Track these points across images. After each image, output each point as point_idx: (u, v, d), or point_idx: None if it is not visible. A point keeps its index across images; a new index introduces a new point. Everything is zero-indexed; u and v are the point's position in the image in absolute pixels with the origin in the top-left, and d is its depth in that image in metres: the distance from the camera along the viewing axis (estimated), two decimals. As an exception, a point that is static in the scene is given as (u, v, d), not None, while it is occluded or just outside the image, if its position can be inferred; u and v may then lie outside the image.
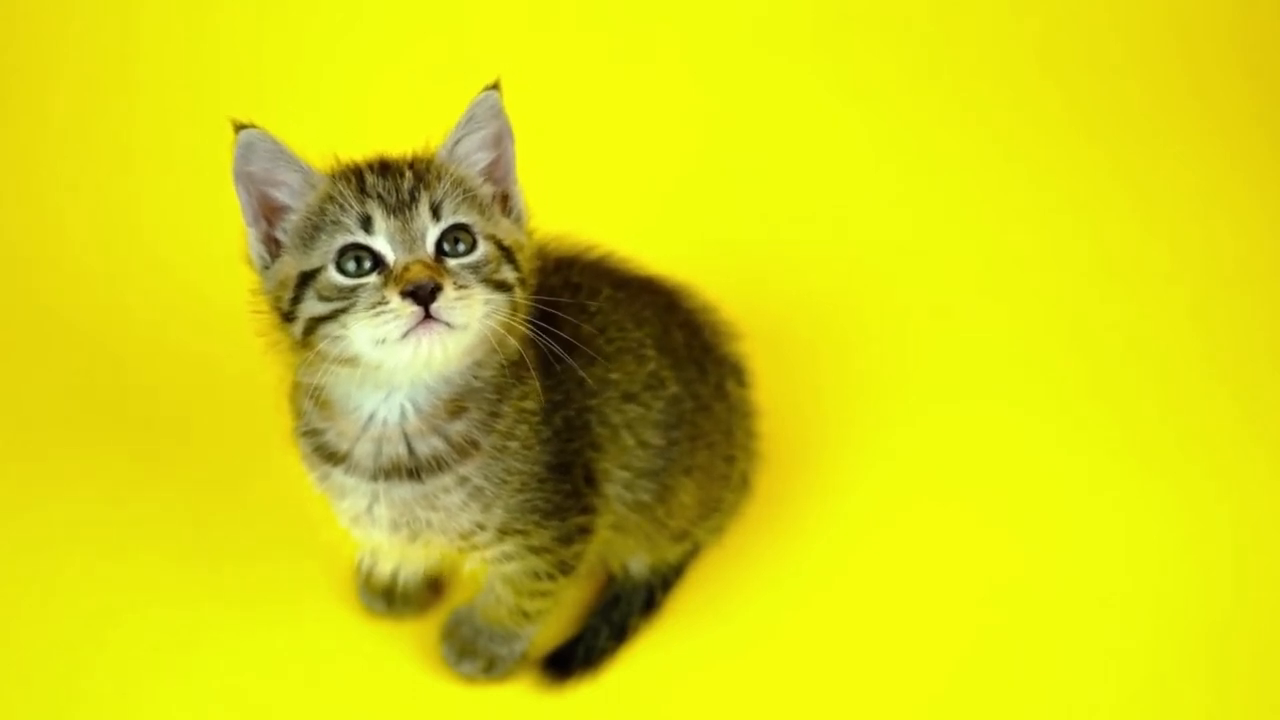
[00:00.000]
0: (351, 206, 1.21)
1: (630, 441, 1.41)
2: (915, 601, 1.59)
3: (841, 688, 1.51)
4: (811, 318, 1.91)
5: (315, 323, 1.20)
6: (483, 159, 1.28)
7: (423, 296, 1.16)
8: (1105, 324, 1.92)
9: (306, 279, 1.21)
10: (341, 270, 1.20)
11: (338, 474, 1.31)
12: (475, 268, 1.21)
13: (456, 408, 1.28)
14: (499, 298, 1.22)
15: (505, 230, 1.26)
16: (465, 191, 1.24)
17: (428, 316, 1.17)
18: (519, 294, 1.25)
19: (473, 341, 1.22)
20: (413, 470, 1.29)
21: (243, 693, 1.48)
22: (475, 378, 1.28)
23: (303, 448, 1.34)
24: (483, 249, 1.23)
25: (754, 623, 1.57)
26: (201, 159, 1.99)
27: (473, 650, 1.48)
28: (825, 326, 1.90)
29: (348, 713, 1.47)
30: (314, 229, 1.22)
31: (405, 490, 1.30)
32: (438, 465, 1.29)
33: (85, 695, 1.47)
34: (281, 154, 1.23)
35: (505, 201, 1.29)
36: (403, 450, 1.29)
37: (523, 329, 1.27)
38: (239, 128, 1.21)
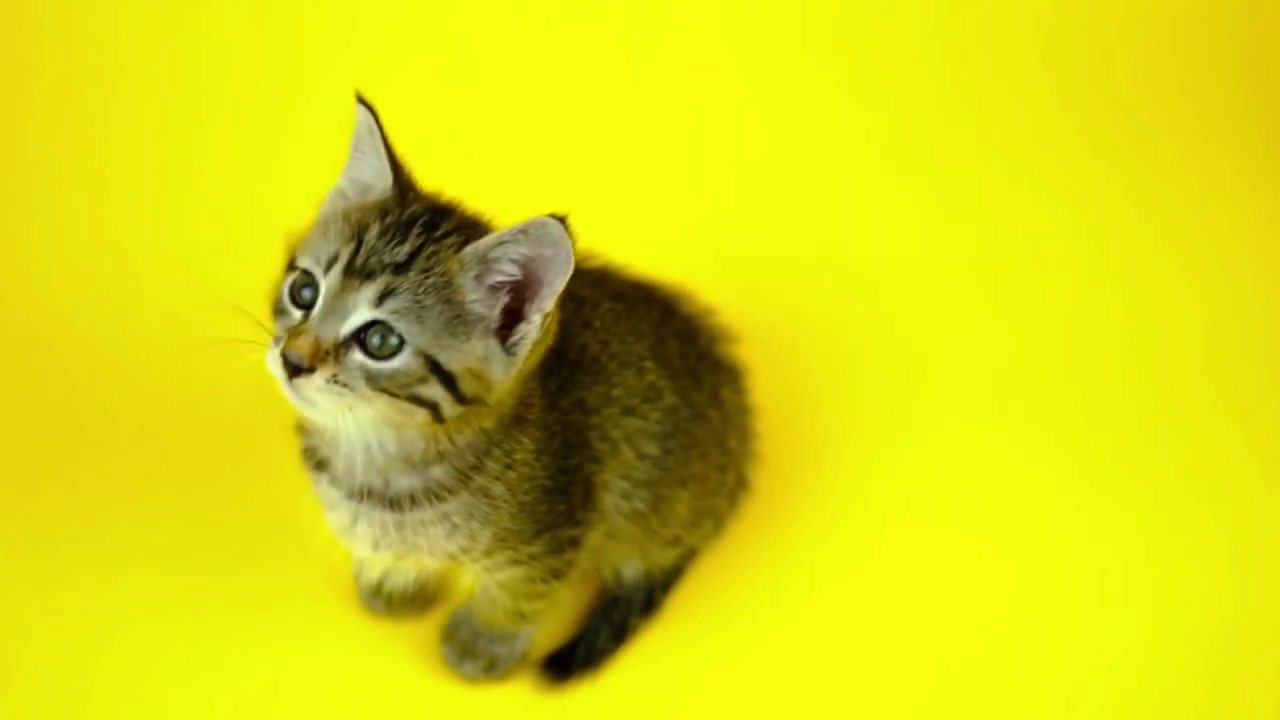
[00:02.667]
0: (335, 239, 1.18)
1: (629, 454, 1.41)
2: (914, 602, 1.61)
3: (840, 688, 1.53)
4: (811, 321, 1.91)
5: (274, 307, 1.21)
6: (508, 273, 1.18)
7: (291, 366, 1.15)
8: (1105, 329, 1.93)
9: (290, 265, 1.21)
10: (294, 289, 1.19)
11: (324, 483, 1.31)
12: (375, 375, 1.16)
13: (430, 457, 1.25)
14: (408, 412, 1.18)
15: (462, 355, 1.17)
16: (440, 299, 1.16)
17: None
18: (451, 410, 1.18)
19: (368, 421, 1.19)
20: (390, 501, 1.28)
21: (246, 695, 1.49)
22: (438, 444, 1.24)
23: (301, 444, 1.34)
24: (402, 362, 1.16)
25: (753, 623, 1.58)
26: (202, 165, 1.99)
27: (473, 651, 1.49)
28: (824, 330, 1.90)
29: (350, 714, 1.48)
30: (320, 231, 1.21)
31: (385, 516, 1.29)
32: (413, 501, 1.27)
33: (89, 696, 1.48)
34: (371, 145, 1.22)
35: (510, 327, 1.19)
36: (376, 480, 1.27)
37: (490, 420, 1.23)
38: (358, 100, 1.21)
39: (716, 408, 1.54)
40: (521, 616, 1.46)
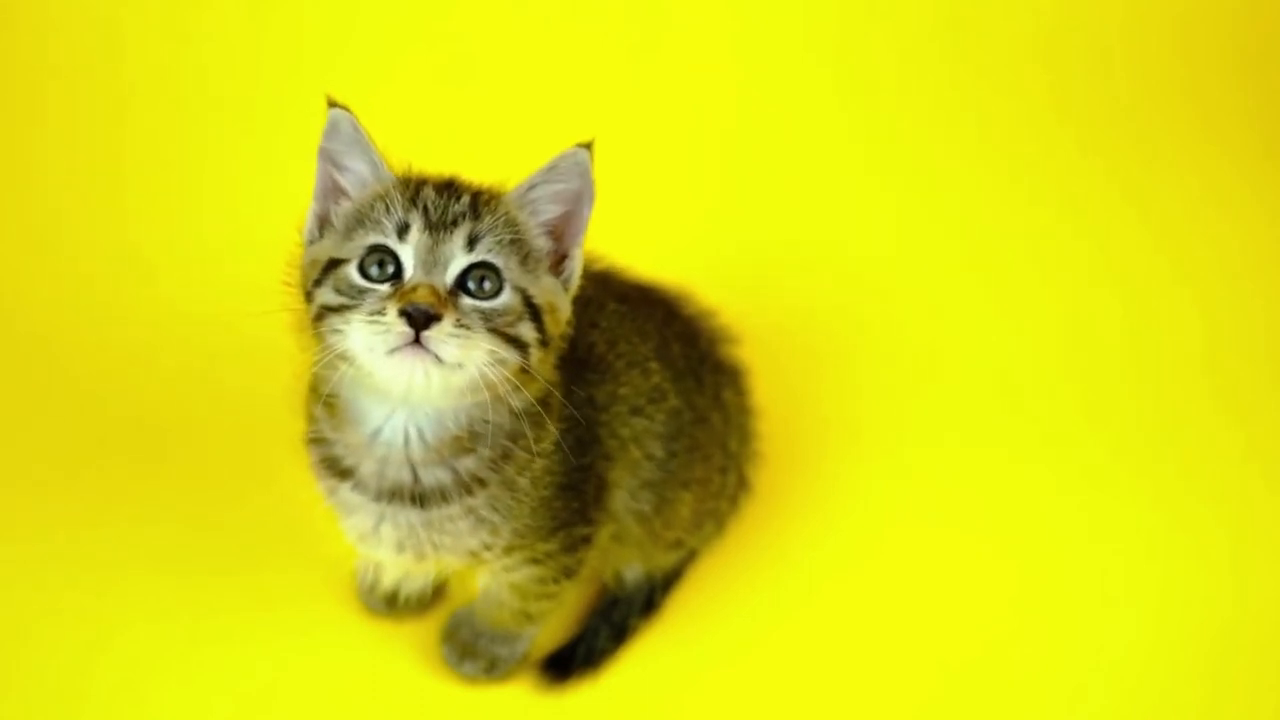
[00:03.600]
0: (395, 210, 1.21)
1: (637, 454, 1.42)
2: (913, 602, 1.61)
3: (840, 688, 1.53)
4: (811, 321, 1.92)
5: (325, 310, 1.21)
6: (552, 212, 1.26)
7: (417, 320, 1.16)
8: (1105, 329, 1.93)
9: (332, 266, 1.22)
10: (363, 270, 1.21)
11: (344, 490, 1.31)
12: (488, 315, 1.20)
13: (464, 445, 1.27)
14: (508, 353, 1.21)
15: (541, 289, 1.24)
16: (514, 236, 1.23)
17: (418, 341, 1.16)
18: (535, 354, 1.23)
19: (464, 384, 1.20)
20: (417, 497, 1.29)
21: (246, 695, 1.48)
22: (484, 420, 1.26)
23: (311, 456, 1.34)
24: (506, 298, 1.21)
25: (753, 623, 1.58)
26: (201, 166, 1.99)
27: (474, 651, 1.49)
28: (825, 330, 1.91)
29: (350, 714, 1.48)
30: (358, 221, 1.23)
31: (411, 515, 1.30)
32: (443, 497, 1.29)
33: (89, 696, 1.47)
34: (359, 142, 1.25)
35: (561, 261, 1.28)
36: (407, 476, 1.29)
37: (541, 385, 1.25)
38: (331, 105, 1.24)
39: (718, 410, 1.55)
40: (528, 617, 1.46)
